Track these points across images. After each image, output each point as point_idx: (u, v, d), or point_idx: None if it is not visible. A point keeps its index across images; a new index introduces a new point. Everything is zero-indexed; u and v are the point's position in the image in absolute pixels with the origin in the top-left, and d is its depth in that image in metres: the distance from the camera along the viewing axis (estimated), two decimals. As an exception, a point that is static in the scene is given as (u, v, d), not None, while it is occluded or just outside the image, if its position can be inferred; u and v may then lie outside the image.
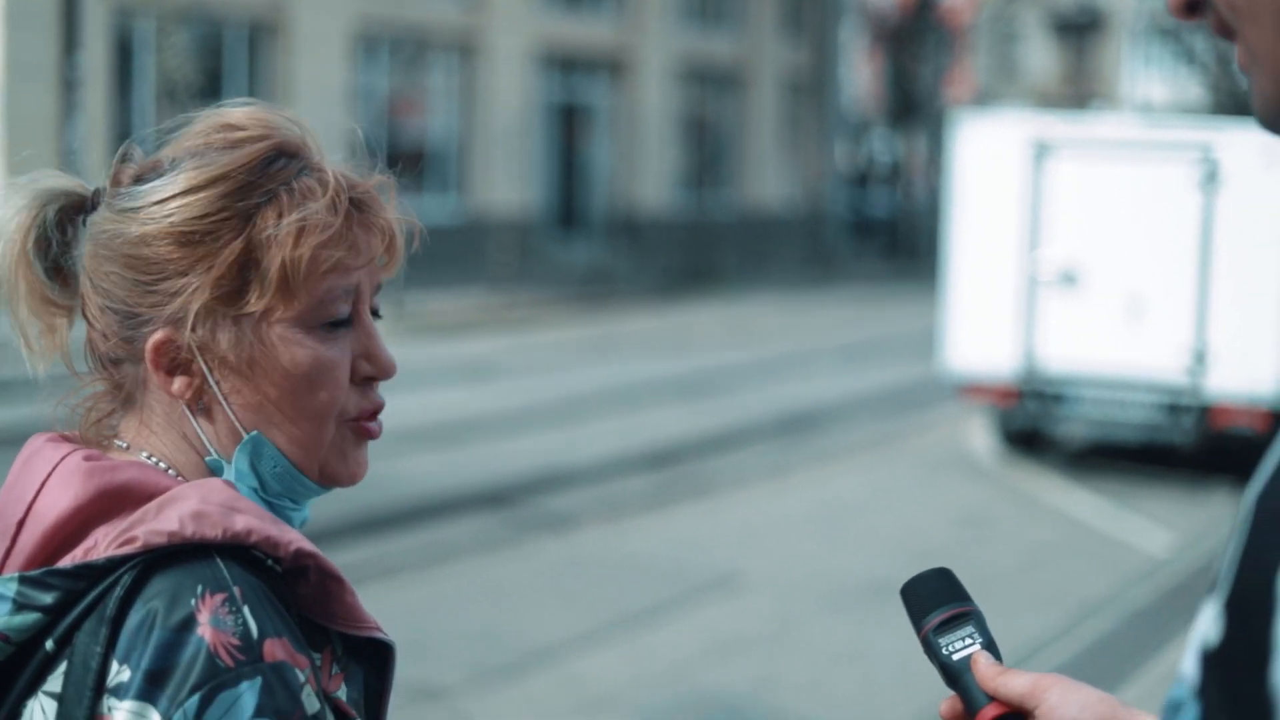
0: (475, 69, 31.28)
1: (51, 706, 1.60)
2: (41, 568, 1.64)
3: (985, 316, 15.08)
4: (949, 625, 1.66)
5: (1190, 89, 46.29)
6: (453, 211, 30.76)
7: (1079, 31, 63.91)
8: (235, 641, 1.55)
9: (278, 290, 1.69)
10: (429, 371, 18.69)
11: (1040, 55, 65.80)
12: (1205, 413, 14.18)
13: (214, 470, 1.75)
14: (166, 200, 1.71)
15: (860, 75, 56.18)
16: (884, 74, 50.02)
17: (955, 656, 1.64)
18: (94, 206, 1.79)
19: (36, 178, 1.80)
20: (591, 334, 24.70)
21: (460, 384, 18.54)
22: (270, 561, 1.65)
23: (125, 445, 1.76)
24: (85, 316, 1.78)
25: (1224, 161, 14.06)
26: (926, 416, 17.80)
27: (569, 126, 34.72)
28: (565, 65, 34.15)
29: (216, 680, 1.53)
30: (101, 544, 1.63)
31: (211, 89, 26.81)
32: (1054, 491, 14.12)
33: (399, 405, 16.16)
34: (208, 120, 1.77)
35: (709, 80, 38.91)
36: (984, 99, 56.61)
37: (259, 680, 1.54)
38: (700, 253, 35.20)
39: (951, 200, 15.56)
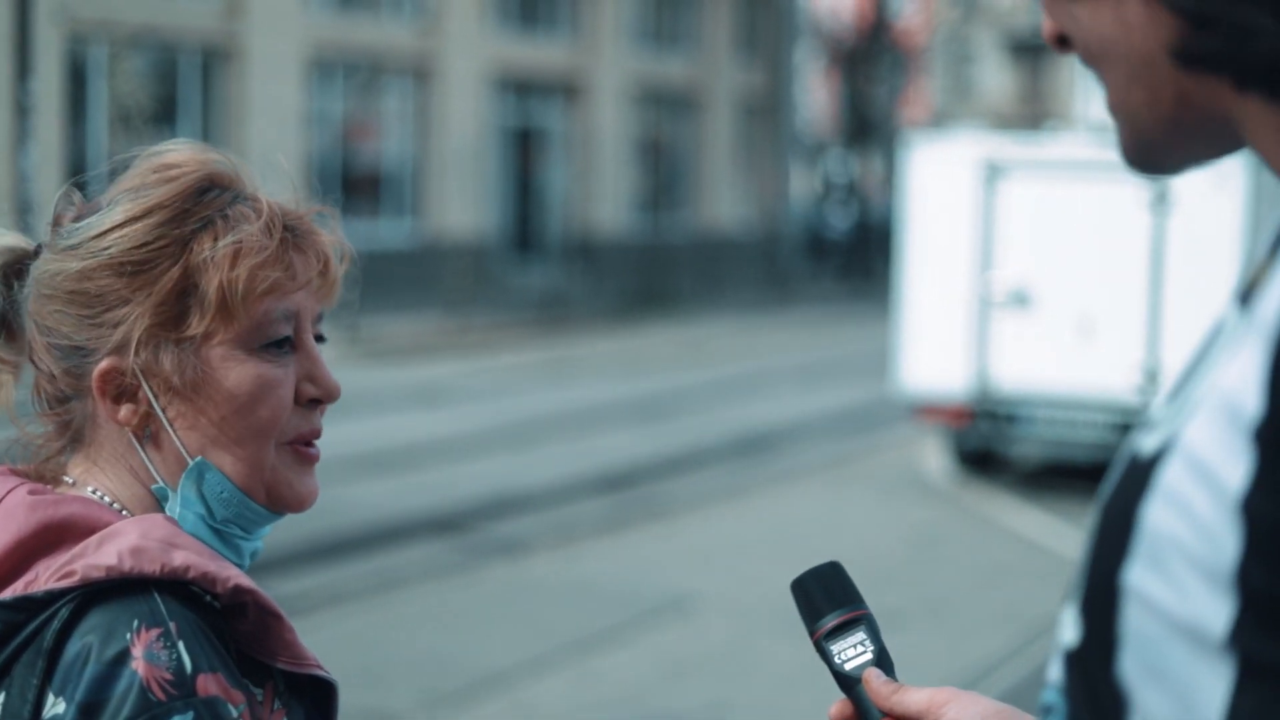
0: (430, 93, 31.26)
1: None
2: None
3: (938, 337, 15.11)
4: (841, 630, 1.64)
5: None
6: (408, 235, 30.72)
7: (1034, 52, 64.22)
8: (168, 676, 1.57)
9: (217, 312, 1.73)
10: (383, 396, 18.64)
11: (995, 76, 66.11)
12: (1158, 432, 14.22)
13: (160, 498, 1.77)
14: (104, 234, 1.75)
15: (816, 97, 56.33)
16: (839, 95, 50.18)
17: (848, 666, 1.62)
18: (37, 257, 1.83)
19: None
20: (546, 357, 24.68)
21: (414, 408, 18.49)
22: (209, 597, 1.67)
23: (72, 481, 1.78)
24: (32, 361, 1.81)
25: (1174, 182, 14.12)
26: (881, 437, 17.82)
27: (524, 150, 34.72)
28: (520, 88, 34.16)
29: (148, 714, 1.55)
30: (42, 577, 1.66)
31: (166, 114, 26.74)
32: (1008, 511, 14.14)
33: (351, 430, 16.14)
34: (145, 161, 1.81)
35: (664, 102, 38.96)
36: (939, 120, 56.82)
37: (190, 714, 1.57)
38: (656, 275, 35.22)
39: (905, 222, 15.60)
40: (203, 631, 1.63)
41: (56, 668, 1.60)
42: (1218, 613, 0.93)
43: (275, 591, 1.81)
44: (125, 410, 1.75)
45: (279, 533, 7.55)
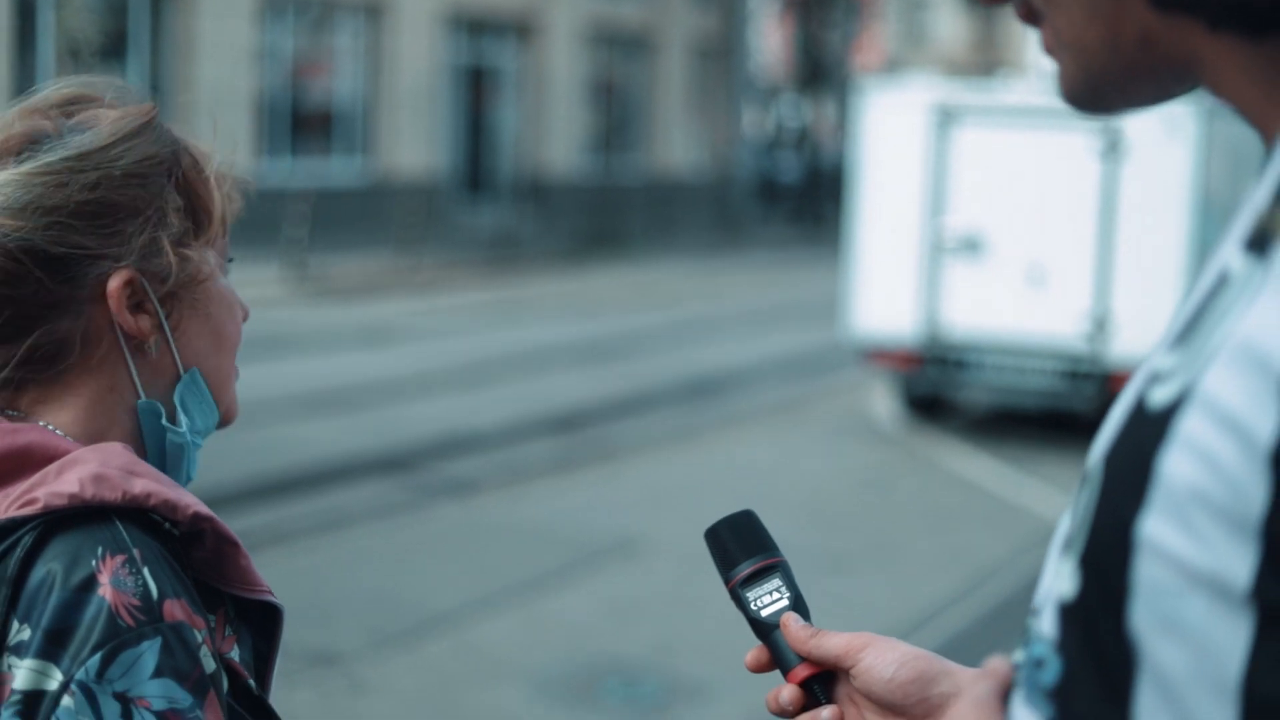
0: (382, 30, 31.06)
1: None
2: None
3: (889, 283, 15.14)
4: (756, 578, 1.64)
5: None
6: (358, 173, 30.59)
7: None
8: (135, 602, 1.58)
9: (213, 227, 1.81)
10: (331, 334, 18.59)
11: (949, 23, 66.14)
12: (1106, 380, 14.30)
13: (147, 414, 1.78)
14: (109, 147, 1.76)
15: (769, 41, 56.23)
16: (793, 40, 50.09)
17: (764, 612, 1.61)
18: None
19: None
20: (497, 298, 24.64)
21: (363, 347, 18.44)
22: (168, 525, 1.68)
23: (18, 414, 1.76)
24: None
25: (1126, 131, 14.15)
26: (831, 381, 17.86)
27: (476, 89, 34.56)
28: (473, 27, 33.98)
29: (118, 639, 1.56)
30: (2, 506, 1.66)
31: (115, 49, 26.52)
32: (956, 456, 14.21)
33: (300, 369, 16.09)
34: (71, 90, 1.86)
35: (617, 44, 38.83)
36: (892, 67, 56.83)
37: (159, 640, 1.58)
38: (607, 217, 35.17)
39: (857, 167, 15.60)
40: (164, 558, 1.64)
41: (20, 595, 1.60)
42: (1242, 563, 0.92)
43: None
44: (143, 320, 1.76)
45: (226, 470, 7.54)
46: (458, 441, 13.55)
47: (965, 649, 8.82)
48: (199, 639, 1.62)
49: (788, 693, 1.54)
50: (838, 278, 16.71)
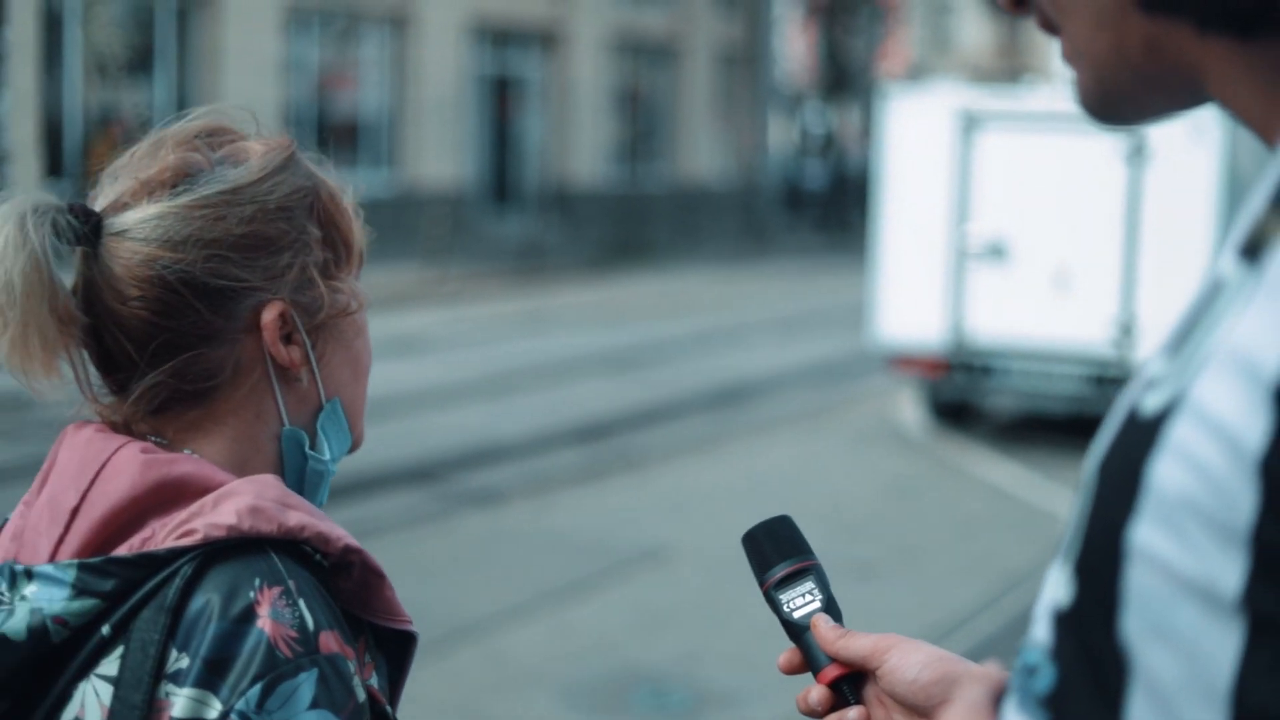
0: (407, 41, 31.13)
1: (106, 690, 1.65)
2: (96, 555, 1.69)
3: (915, 289, 15.13)
4: (790, 580, 1.68)
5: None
6: (385, 185, 30.64)
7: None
8: (293, 634, 1.62)
9: (353, 259, 1.87)
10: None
11: (973, 29, 66.04)
12: (1132, 384, 14.26)
13: (292, 442, 1.82)
14: (261, 181, 1.81)
15: (794, 48, 56.21)
16: (818, 47, 50.06)
17: (796, 614, 1.66)
18: (80, 215, 1.76)
19: (14, 196, 1.76)
20: (523, 307, 24.66)
21: (391, 358, 18.47)
22: (318, 557, 1.72)
23: (166, 442, 1.79)
24: (116, 324, 1.76)
25: (1151, 135, 14.13)
26: (857, 388, 17.85)
27: (501, 99, 34.60)
28: (497, 37, 34.03)
29: (276, 671, 1.60)
30: (159, 535, 1.68)
31: (142, 63, 26.62)
32: (982, 463, 14.19)
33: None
34: (213, 120, 1.89)
35: (642, 53, 38.84)
36: (917, 73, 56.73)
37: (316, 672, 1.62)
38: (633, 226, 35.17)
39: (882, 174, 15.59)
40: (317, 590, 1.68)
41: (180, 623, 1.63)
42: (1231, 571, 0.91)
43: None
44: (294, 351, 1.80)
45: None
46: (485, 451, 13.57)
47: (993, 655, 8.82)
48: (352, 669, 1.66)
49: (816, 693, 1.57)
50: (864, 285, 16.70)
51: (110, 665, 1.65)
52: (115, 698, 1.64)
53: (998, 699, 1.31)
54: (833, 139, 48.14)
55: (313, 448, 1.84)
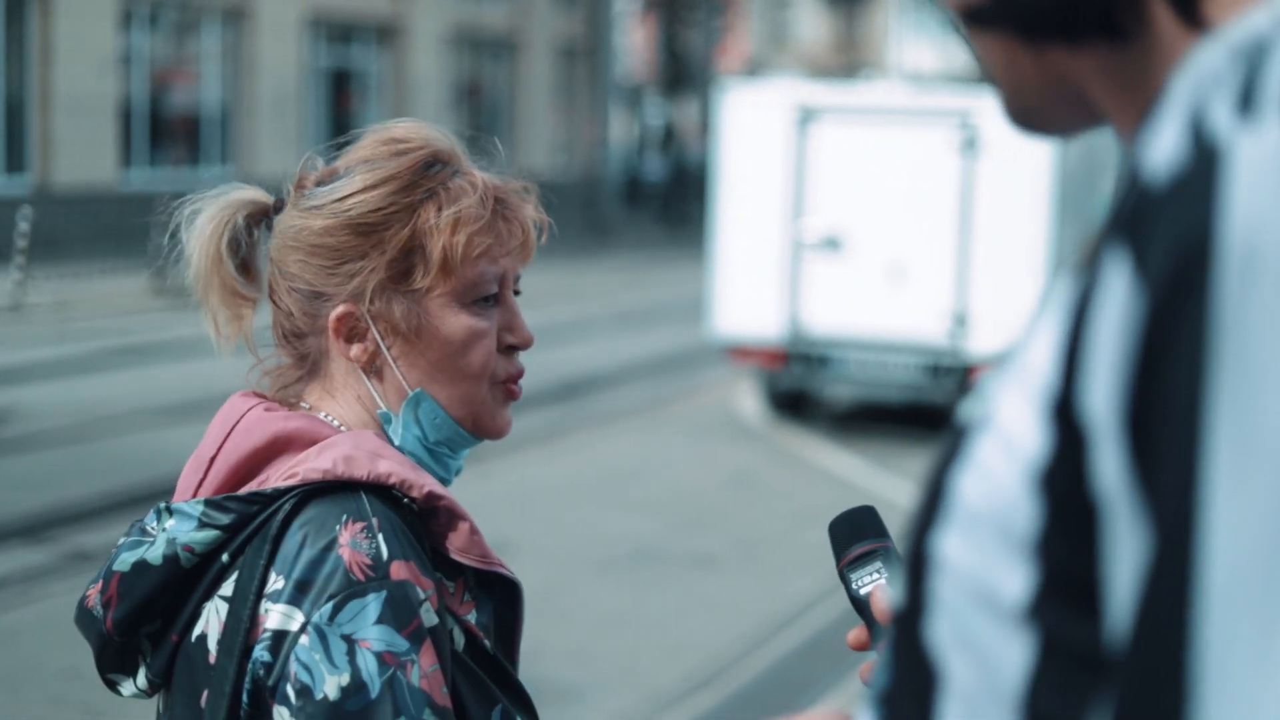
0: (244, 35, 30.79)
1: (223, 607, 1.98)
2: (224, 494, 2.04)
3: (752, 281, 15.21)
4: (861, 560, 1.82)
5: (958, 56, 47.08)
6: (224, 179, 30.22)
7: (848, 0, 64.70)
8: (367, 561, 1.92)
9: (439, 270, 2.07)
10: (195, 342, 18.43)
11: (811, 23, 66.56)
12: (967, 373, 14.47)
13: (383, 421, 2.12)
14: (345, 198, 2.09)
15: (634, 42, 56.33)
16: (657, 41, 50.22)
17: (862, 591, 1.80)
18: (277, 211, 2.19)
19: (227, 189, 2.23)
20: (364, 302, 24.45)
21: (234, 353, 18.24)
22: (407, 500, 2.00)
23: (308, 407, 2.14)
24: (272, 300, 2.17)
25: (983, 128, 14.31)
26: (697, 380, 17.94)
27: (341, 93, 34.36)
28: (336, 31, 33.77)
29: (348, 590, 1.90)
30: (272, 478, 2.03)
31: (-31, 54, 26.08)
32: (820, 452, 14.32)
33: (161, 377, 15.81)
34: (375, 135, 2.17)
35: (482, 46, 38.73)
36: (755, 68, 57.07)
37: (384, 594, 1.90)
38: (474, 220, 35.01)
39: (720, 167, 15.66)
40: (400, 528, 1.96)
41: (279, 552, 1.95)
42: (1015, 580, 0.94)
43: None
44: (356, 349, 2.10)
45: (101, 481, 7.40)
46: (324, 447, 13.46)
47: (831, 646, 8.91)
48: (421, 596, 1.93)
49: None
50: (703, 277, 16.78)
51: (228, 587, 1.99)
52: (229, 613, 1.97)
53: None
54: (672, 133, 48.31)
55: (391, 430, 2.12)
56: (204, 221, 2.19)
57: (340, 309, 2.09)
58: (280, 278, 2.14)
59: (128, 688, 2.11)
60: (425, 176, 2.11)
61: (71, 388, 15.53)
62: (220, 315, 2.20)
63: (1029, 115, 1.11)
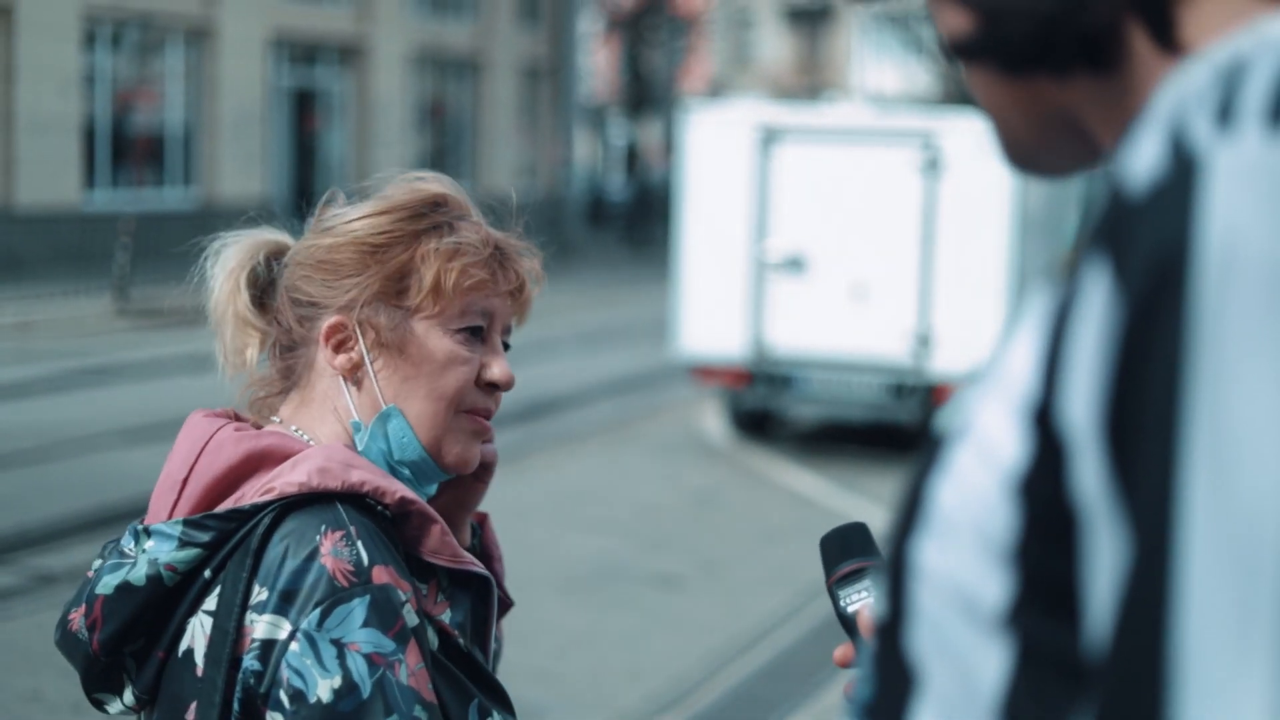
0: (206, 54, 30.72)
1: (208, 622, 2.05)
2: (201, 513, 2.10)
3: (716, 301, 15.23)
4: (850, 578, 1.83)
5: (920, 78, 47.22)
6: (188, 199, 30.24)
7: (811, 20, 64.87)
8: (349, 568, 2.00)
9: (430, 292, 2.17)
10: (158, 363, 18.36)
11: (773, 44, 66.68)
12: (930, 392, 14.50)
13: (353, 430, 2.20)
14: (354, 220, 2.23)
15: (598, 62, 56.39)
16: (620, 61, 50.28)
17: (849, 608, 1.81)
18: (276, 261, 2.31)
19: (254, 232, 2.35)
20: (327, 323, 24.38)
21: (189, 373, 18.22)
22: (380, 507, 2.09)
23: (279, 420, 2.23)
24: (276, 321, 2.26)
25: (946, 149, 14.37)
26: (661, 400, 17.95)
27: (304, 113, 34.30)
28: (299, 51, 33.72)
29: (334, 597, 1.98)
30: (248, 494, 2.09)
31: (-71, 74, 25.96)
32: (784, 472, 14.33)
33: (125, 397, 15.74)
34: (401, 179, 2.32)
35: (445, 66, 38.71)
36: (718, 89, 57.18)
37: (368, 598, 1.98)
38: (438, 240, 34.92)
39: (683, 188, 15.69)
40: (377, 533, 2.05)
41: (261, 564, 2.03)
42: (994, 586, 0.94)
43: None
44: (341, 359, 2.19)
45: (65, 503, 7.35)
46: (288, 468, 13.42)
47: (796, 666, 8.92)
48: (403, 598, 2.01)
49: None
50: (667, 297, 16.79)
51: (211, 602, 2.06)
52: (214, 627, 2.04)
53: None
54: (636, 153, 48.35)
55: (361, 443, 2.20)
56: (229, 255, 2.32)
57: (333, 319, 2.19)
58: (285, 294, 2.25)
59: (114, 706, 2.18)
60: (434, 211, 2.25)
61: (34, 409, 15.46)
62: (230, 343, 2.30)
63: (1023, 152, 1.12)
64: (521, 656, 8.83)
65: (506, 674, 8.13)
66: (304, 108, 34.35)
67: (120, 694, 2.16)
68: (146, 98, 30.57)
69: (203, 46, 30.71)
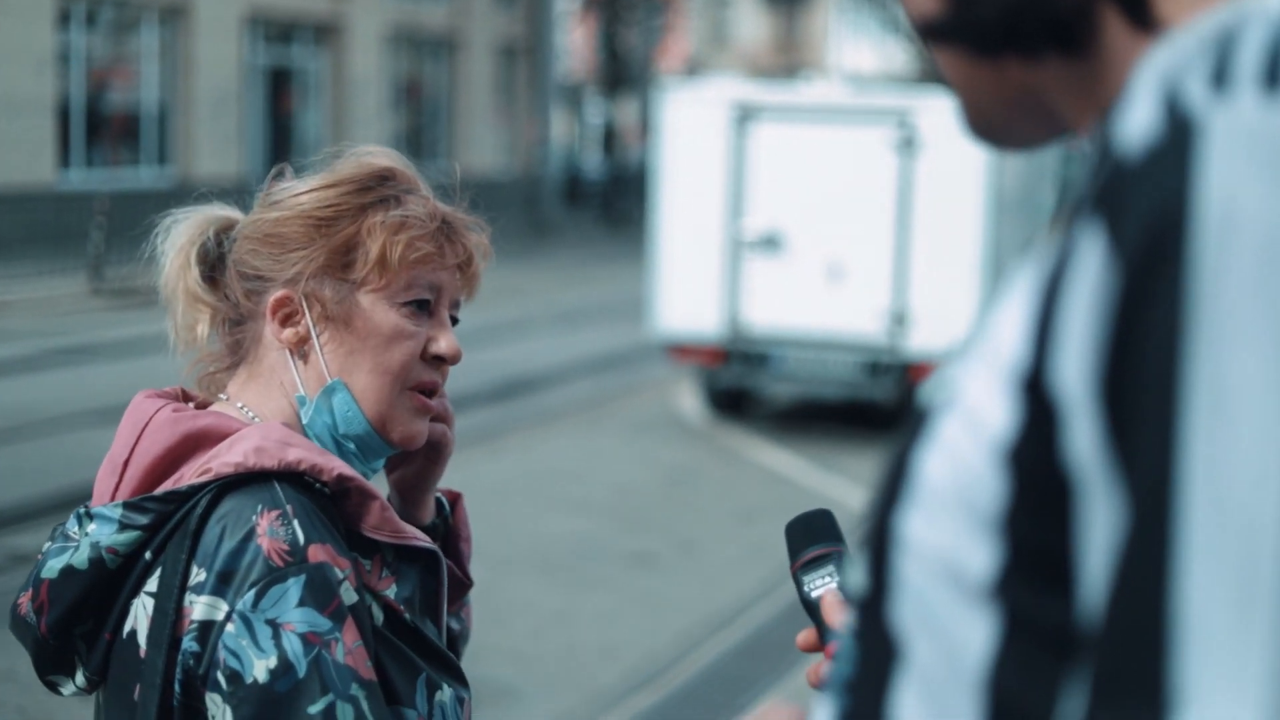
0: (181, 33, 30.61)
1: (150, 603, 2.05)
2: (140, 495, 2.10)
3: (692, 280, 15.23)
4: (815, 564, 1.84)
5: (897, 57, 47.24)
6: (164, 178, 30.14)
7: (788, -1, 64.79)
8: (285, 547, 1.99)
9: (376, 264, 2.16)
10: (133, 342, 18.32)
11: (751, 23, 66.65)
12: (906, 371, 14.52)
13: (299, 404, 2.19)
14: (301, 194, 2.23)
15: (575, 41, 56.29)
16: (597, 40, 50.20)
17: (813, 594, 1.82)
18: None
19: (204, 208, 2.36)
20: (303, 302, 24.33)
21: (164, 353, 18.15)
22: (318, 485, 2.08)
23: (226, 398, 2.23)
24: (225, 296, 2.25)
25: (922, 127, 14.37)
26: (637, 378, 17.95)
27: (280, 92, 34.20)
28: (275, 30, 33.61)
29: (269, 577, 1.98)
30: (186, 475, 2.08)
31: (-98, 53, 25.84)
32: (760, 451, 14.35)
33: (98, 376, 15.71)
34: (350, 153, 2.31)
35: (422, 45, 38.62)
36: (695, 68, 57.14)
37: (303, 577, 1.98)
38: (414, 219, 34.85)
39: (659, 167, 15.68)
40: (314, 512, 2.04)
41: (199, 546, 2.02)
42: (981, 557, 0.94)
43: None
44: (288, 332, 2.18)
45: (37, 484, 7.35)
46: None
47: (771, 644, 8.93)
48: (340, 576, 2.00)
49: (825, 667, 1.61)
50: (643, 276, 16.79)
51: (152, 583, 2.06)
52: (155, 608, 2.04)
53: None
54: (613, 132, 48.31)
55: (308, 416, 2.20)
56: (179, 231, 2.31)
57: (280, 292, 2.18)
58: (234, 268, 2.24)
59: (68, 688, 2.19)
60: (381, 185, 2.23)
61: (8, 389, 15.42)
62: (181, 319, 2.29)
63: (990, 128, 1.12)
64: (497, 637, 8.84)
65: (481, 654, 8.12)
66: (280, 87, 34.25)
67: (73, 676, 2.18)
68: (121, 76, 30.45)
69: (178, 25, 30.59)
